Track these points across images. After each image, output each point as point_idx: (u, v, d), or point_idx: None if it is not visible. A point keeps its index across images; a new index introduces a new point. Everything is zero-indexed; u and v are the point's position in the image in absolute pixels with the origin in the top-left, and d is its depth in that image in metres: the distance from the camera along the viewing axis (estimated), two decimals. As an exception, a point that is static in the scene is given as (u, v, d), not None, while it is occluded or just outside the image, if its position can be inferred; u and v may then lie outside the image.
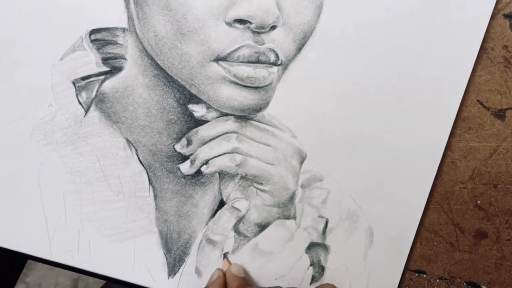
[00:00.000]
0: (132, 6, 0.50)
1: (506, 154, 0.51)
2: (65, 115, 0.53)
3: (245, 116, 0.52)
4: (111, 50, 0.52)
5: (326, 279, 0.55)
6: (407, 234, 0.53)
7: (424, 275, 0.54)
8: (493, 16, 0.48)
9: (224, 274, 0.54)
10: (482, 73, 0.50)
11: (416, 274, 0.54)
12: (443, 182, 0.52)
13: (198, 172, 0.53)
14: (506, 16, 0.48)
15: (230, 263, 0.55)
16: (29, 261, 0.58)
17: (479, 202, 0.52)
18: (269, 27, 0.48)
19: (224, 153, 0.53)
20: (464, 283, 0.54)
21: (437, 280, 0.54)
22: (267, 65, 0.49)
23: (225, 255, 0.55)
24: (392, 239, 0.53)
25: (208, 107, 0.52)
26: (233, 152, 0.52)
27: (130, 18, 0.51)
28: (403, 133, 0.51)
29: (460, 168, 0.52)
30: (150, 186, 0.54)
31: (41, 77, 0.53)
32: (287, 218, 0.54)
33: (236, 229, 0.54)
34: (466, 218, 0.53)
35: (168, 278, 0.56)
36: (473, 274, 0.54)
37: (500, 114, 0.50)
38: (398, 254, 0.53)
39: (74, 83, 0.53)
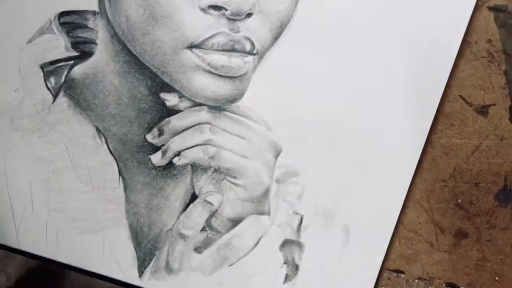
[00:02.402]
0: (102, -12, 0.48)
1: (488, 152, 0.49)
2: (33, 101, 0.52)
3: (219, 106, 0.50)
4: (81, 34, 0.50)
5: (300, 278, 0.53)
6: (384, 233, 0.51)
7: (403, 275, 0.53)
8: (477, 9, 0.46)
9: None
10: (465, 68, 0.48)
11: (395, 274, 0.53)
12: (423, 179, 0.50)
13: (170, 164, 0.52)
14: (491, 8, 0.47)
15: None
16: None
17: (459, 201, 0.51)
18: (245, 14, 0.46)
19: (196, 145, 0.51)
20: (443, 284, 0.52)
21: (416, 281, 0.52)
22: (242, 54, 0.47)
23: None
24: (369, 237, 0.51)
25: (181, 96, 0.50)
26: (206, 144, 0.51)
27: (101, 1, 0.49)
28: (382, 128, 0.49)
29: (441, 165, 0.50)
30: (120, 177, 0.52)
31: (8, 61, 0.51)
32: (261, 213, 0.52)
33: (208, 224, 0.53)
34: (446, 217, 0.51)
35: (138, 272, 0.54)
36: (453, 275, 0.52)
37: (483, 111, 0.49)
38: (374, 253, 0.52)
39: (42, 68, 0.51)
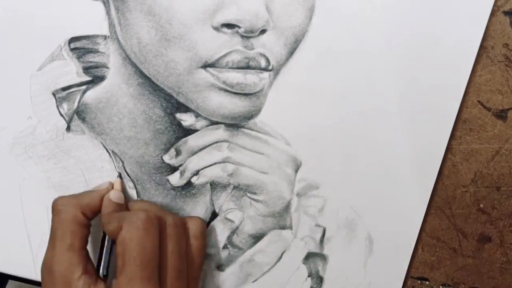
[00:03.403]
0: (113, 12, 0.47)
1: (508, 156, 0.49)
2: (46, 128, 0.51)
3: (236, 124, 0.49)
4: (92, 58, 0.49)
5: (325, 290, 0.53)
6: (408, 241, 0.51)
7: (427, 282, 0.53)
8: (492, 14, 0.46)
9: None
10: (482, 73, 0.48)
11: (419, 281, 0.53)
12: (444, 186, 0.50)
13: (188, 184, 0.51)
14: (506, 13, 0.46)
15: (121, 187, 0.51)
16: (10, 281, 0.56)
17: (481, 205, 0.50)
18: (259, 31, 0.45)
19: (215, 163, 0.50)
20: (467, 288, 0.53)
21: (441, 287, 0.52)
22: (257, 70, 0.47)
23: (119, 175, 0.52)
24: (392, 246, 0.51)
25: (197, 115, 0.49)
26: (224, 162, 0.50)
27: (111, 25, 0.48)
28: (402, 137, 0.49)
29: (462, 171, 0.50)
30: (138, 199, 0.52)
31: (19, 89, 0.50)
32: (283, 228, 0.52)
33: (230, 241, 0.52)
34: (468, 223, 0.51)
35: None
36: (478, 279, 0.52)
37: (501, 115, 0.48)
38: (399, 261, 0.52)
39: (54, 94, 0.50)
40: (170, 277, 0.45)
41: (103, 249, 0.48)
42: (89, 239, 0.47)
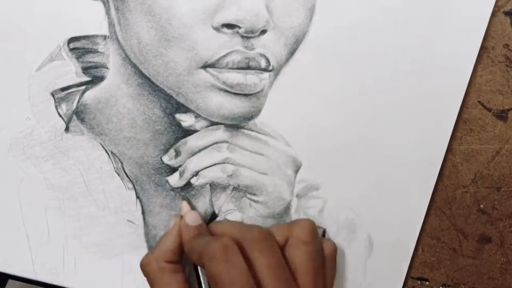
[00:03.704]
0: (113, 12, 0.47)
1: (509, 156, 0.49)
2: (45, 128, 0.50)
3: (236, 124, 0.49)
4: (91, 59, 0.49)
5: (326, 291, 0.52)
6: (408, 242, 0.51)
7: (427, 283, 0.52)
8: (493, 14, 0.46)
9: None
10: (483, 73, 0.48)
11: (419, 282, 0.52)
12: (444, 186, 0.50)
13: (188, 185, 0.51)
14: (507, 13, 0.46)
15: (190, 206, 0.51)
16: (9, 281, 0.56)
17: (482, 206, 0.50)
18: (259, 31, 0.45)
19: (214, 164, 0.50)
20: (467, 289, 0.52)
21: (441, 287, 0.52)
22: (257, 71, 0.47)
23: (183, 198, 0.51)
24: (392, 247, 0.51)
25: (197, 116, 0.49)
26: (224, 163, 0.50)
27: (111, 25, 0.48)
28: (402, 138, 0.49)
29: (462, 171, 0.50)
30: (138, 200, 0.52)
31: (17, 89, 0.50)
32: (283, 229, 0.52)
33: (229, 242, 0.52)
34: (469, 223, 0.51)
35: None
36: (478, 280, 0.52)
37: (502, 115, 0.48)
38: (399, 262, 0.51)
39: (53, 95, 0.50)
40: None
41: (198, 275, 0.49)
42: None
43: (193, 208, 0.51)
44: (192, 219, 0.49)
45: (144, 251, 0.52)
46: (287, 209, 0.51)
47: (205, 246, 0.44)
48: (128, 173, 0.51)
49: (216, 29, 0.45)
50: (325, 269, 0.47)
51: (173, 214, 0.51)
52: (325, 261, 0.48)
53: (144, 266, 0.47)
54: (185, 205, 0.50)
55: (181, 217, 0.50)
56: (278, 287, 0.43)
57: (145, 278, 0.48)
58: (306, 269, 0.45)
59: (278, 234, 0.47)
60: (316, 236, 0.47)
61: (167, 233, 0.49)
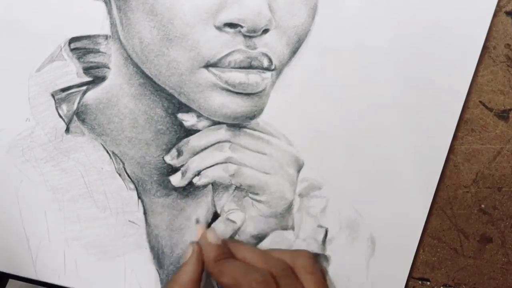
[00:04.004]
0: (115, 11, 0.47)
1: (510, 156, 0.49)
2: (45, 130, 0.50)
3: (238, 124, 0.49)
4: (93, 59, 0.49)
5: (328, 291, 0.52)
6: (410, 242, 0.51)
7: (428, 283, 0.52)
8: (494, 14, 0.46)
9: (200, 246, 0.49)
10: (484, 73, 0.48)
11: (420, 282, 0.53)
12: (445, 186, 0.50)
13: (190, 184, 0.51)
14: (509, 13, 0.46)
15: (204, 229, 0.51)
16: (10, 280, 0.55)
17: (483, 206, 0.51)
18: (261, 30, 0.45)
19: (217, 163, 0.50)
20: (468, 288, 0.53)
21: (442, 287, 0.52)
22: (260, 70, 0.47)
23: (197, 221, 0.51)
24: (394, 247, 0.51)
25: (199, 115, 0.49)
26: (226, 162, 0.50)
27: (113, 24, 0.48)
28: (404, 138, 0.49)
29: (463, 171, 0.50)
30: (139, 201, 0.51)
31: (17, 90, 0.49)
32: (285, 228, 0.52)
33: (231, 242, 0.52)
34: (470, 223, 0.51)
35: (161, 296, 0.53)
36: (479, 280, 0.52)
37: (503, 115, 0.49)
38: (401, 262, 0.51)
39: (53, 95, 0.49)
40: None
41: None
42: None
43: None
44: (213, 236, 0.49)
45: (146, 251, 0.52)
46: (289, 208, 0.51)
47: (245, 276, 0.45)
48: (129, 174, 0.51)
49: (218, 28, 0.45)
50: None
51: (190, 243, 0.50)
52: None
53: None
54: (200, 226, 0.51)
55: (198, 244, 0.49)
56: None
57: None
58: None
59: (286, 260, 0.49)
60: (317, 265, 0.49)
61: (186, 262, 0.48)
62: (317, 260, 0.51)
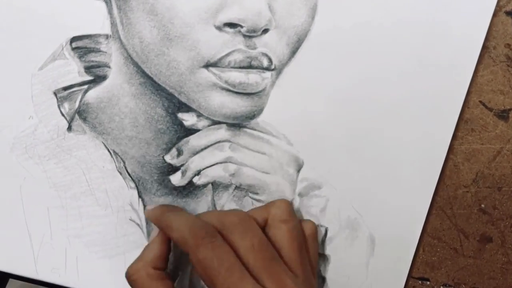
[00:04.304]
0: (115, 11, 0.47)
1: (510, 156, 0.49)
2: (47, 128, 0.51)
3: (238, 124, 0.49)
4: (94, 58, 0.49)
5: (327, 290, 0.53)
6: (410, 241, 0.51)
7: (428, 282, 0.52)
8: (494, 14, 0.46)
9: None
10: (484, 73, 0.48)
11: (419, 282, 0.53)
12: (445, 186, 0.50)
13: (190, 184, 0.51)
14: (508, 13, 0.46)
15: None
16: (10, 280, 0.56)
17: (483, 206, 0.51)
18: (261, 30, 0.45)
19: (216, 163, 0.50)
20: (468, 289, 0.53)
21: (441, 287, 0.52)
22: (260, 70, 0.47)
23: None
24: (394, 246, 0.51)
25: (199, 115, 0.49)
26: (226, 162, 0.50)
27: (113, 24, 0.48)
28: (404, 138, 0.49)
29: (463, 171, 0.50)
30: (140, 199, 0.52)
31: (20, 88, 0.50)
32: (285, 228, 0.52)
33: (231, 241, 0.52)
34: (470, 223, 0.51)
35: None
36: (479, 280, 0.52)
37: (503, 115, 0.49)
38: (401, 261, 0.52)
39: (55, 94, 0.50)
40: (259, 269, 0.43)
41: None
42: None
43: None
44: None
45: (146, 250, 0.53)
46: (289, 208, 0.51)
47: (188, 233, 0.44)
48: (130, 172, 0.51)
49: (218, 28, 0.45)
50: (308, 248, 0.48)
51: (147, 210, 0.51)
52: (306, 240, 0.48)
53: (132, 275, 0.46)
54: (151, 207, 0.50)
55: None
56: (265, 266, 0.43)
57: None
58: (290, 246, 0.46)
59: (257, 216, 0.47)
60: (294, 214, 0.48)
61: (152, 240, 0.48)
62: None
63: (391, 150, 0.50)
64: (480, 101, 0.48)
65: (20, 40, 0.49)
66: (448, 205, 0.51)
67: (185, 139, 0.50)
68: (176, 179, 0.51)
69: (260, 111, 0.49)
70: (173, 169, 0.51)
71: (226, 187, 0.51)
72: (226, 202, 0.51)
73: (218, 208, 0.52)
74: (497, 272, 0.52)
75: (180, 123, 0.50)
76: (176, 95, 0.48)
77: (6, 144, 0.51)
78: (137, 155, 0.51)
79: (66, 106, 0.50)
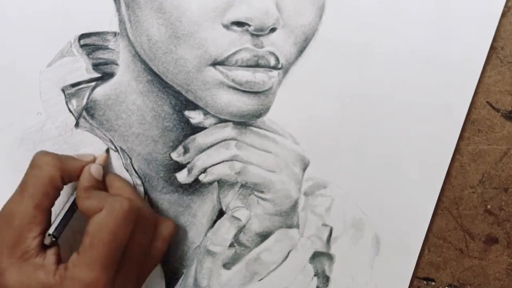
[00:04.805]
0: (123, 9, 0.47)
1: (517, 157, 0.49)
2: (55, 124, 0.51)
3: (244, 122, 0.50)
4: (102, 55, 0.49)
5: (332, 289, 0.53)
6: (415, 242, 0.51)
7: (433, 283, 0.52)
8: (502, 15, 0.46)
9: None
10: (491, 74, 0.48)
11: (425, 282, 0.53)
12: (451, 186, 0.50)
13: (196, 181, 0.51)
14: (517, 13, 0.46)
15: (104, 162, 0.50)
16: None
17: (489, 206, 0.50)
18: (269, 29, 0.45)
19: (223, 161, 0.50)
20: (474, 290, 0.52)
21: (446, 287, 0.53)
22: (266, 69, 0.47)
23: (108, 151, 0.51)
24: (399, 247, 0.51)
25: (206, 113, 0.49)
26: (232, 160, 0.50)
27: (121, 21, 0.48)
28: (410, 137, 0.49)
29: (469, 172, 0.50)
30: (146, 196, 0.52)
31: (28, 85, 0.50)
32: (290, 227, 0.52)
33: (236, 240, 0.52)
34: (475, 224, 0.51)
35: (167, 291, 0.54)
36: (484, 281, 0.52)
37: (510, 116, 0.48)
38: (405, 262, 0.52)
39: (63, 90, 0.50)
40: (126, 269, 0.45)
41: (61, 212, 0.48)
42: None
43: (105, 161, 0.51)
44: (96, 172, 0.48)
45: (151, 247, 0.53)
46: (294, 207, 0.51)
47: (113, 199, 0.44)
48: (137, 170, 0.51)
49: (226, 27, 0.45)
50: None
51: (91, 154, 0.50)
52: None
53: (39, 161, 0.46)
54: (102, 156, 0.50)
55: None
56: (134, 272, 0.46)
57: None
58: None
59: None
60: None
61: (77, 158, 0.49)
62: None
63: (397, 150, 0.50)
64: (487, 102, 0.48)
65: (29, 37, 0.49)
66: (454, 206, 0.51)
67: (192, 136, 0.50)
68: (182, 176, 0.51)
69: (266, 109, 0.49)
70: (179, 166, 0.51)
71: (232, 185, 0.51)
72: (232, 200, 0.52)
73: (224, 207, 0.52)
74: (502, 273, 0.52)
75: (187, 121, 0.50)
76: (183, 93, 0.48)
77: (14, 139, 0.52)
78: (144, 152, 0.51)
79: (74, 102, 0.50)
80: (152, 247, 0.48)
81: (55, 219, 0.47)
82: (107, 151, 0.51)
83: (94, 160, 0.50)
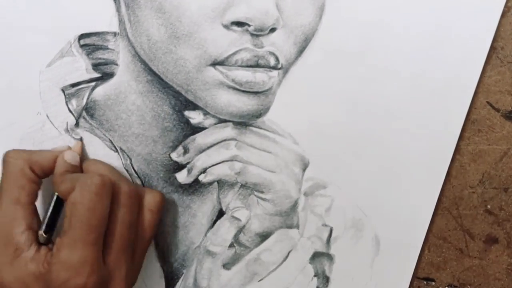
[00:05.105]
0: (123, 9, 0.47)
1: (517, 157, 0.49)
2: (55, 124, 0.51)
3: (244, 122, 0.50)
4: (101, 55, 0.49)
5: (332, 289, 0.53)
6: (415, 242, 0.51)
7: (433, 283, 0.52)
8: (502, 15, 0.46)
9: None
10: (491, 74, 0.48)
11: (425, 282, 0.53)
12: (451, 186, 0.50)
13: (196, 181, 0.51)
14: (517, 13, 0.46)
15: (79, 150, 0.50)
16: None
17: (489, 206, 0.50)
18: (269, 29, 0.45)
19: (222, 161, 0.50)
20: (474, 290, 0.52)
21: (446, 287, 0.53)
22: (266, 69, 0.47)
23: (81, 139, 0.51)
24: (399, 247, 0.51)
25: (205, 113, 0.49)
26: (232, 160, 0.50)
27: (121, 21, 0.48)
28: (410, 138, 0.49)
29: (469, 172, 0.50)
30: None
31: (28, 84, 0.50)
32: (290, 227, 0.52)
33: (236, 240, 0.52)
34: (475, 224, 0.51)
35: (166, 292, 0.54)
36: (484, 281, 0.52)
37: (510, 116, 0.48)
38: (405, 262, 0.52)
39: (63, 91, 0.50)
40: (115, 246, 0.45)
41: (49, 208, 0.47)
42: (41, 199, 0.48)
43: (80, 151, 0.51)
44: (70, 157, 0.48)
45: (151, 248, 0.53)
46: (294, 207, 0.51)
47: (84, 176, 0.44)
48: (136, 170, 0.51)
49: (226, 27, 0.45)
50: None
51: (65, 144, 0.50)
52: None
53: (7, 157, 0.46)
54: (76, 144, 0.50)
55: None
56: (124, 247, 0.45)
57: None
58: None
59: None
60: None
61: (49, 150, 0.49)
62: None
63: (397, 150, 0.50)
64: (488, 102, 0.48)
65: (29, 37, 0.49)
66: (454, 206, 0.51)
67: (192, 137, 0.50)
68: (182, 176, 0.51)
69: (266, 110, 0.49)
70: (179, 167, 0.51)
71: (232, 185, 0.51)
72: (232, 200, 0.52)
73: (224, 207, 0.52)
74: (502, 273, 0.52)
75: (187, 121, 0.50)
76: (183, 93, 0.48)
77: (14, 139, 0.52)
78: (144, 153, 0.51)
79: (73, 102, 0.50)
80: (140, 220, 0.48)
81: (44, 216, 0.47)
82: (81, 139, 0.51)
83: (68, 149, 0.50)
